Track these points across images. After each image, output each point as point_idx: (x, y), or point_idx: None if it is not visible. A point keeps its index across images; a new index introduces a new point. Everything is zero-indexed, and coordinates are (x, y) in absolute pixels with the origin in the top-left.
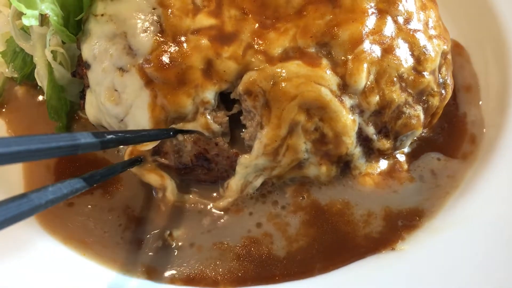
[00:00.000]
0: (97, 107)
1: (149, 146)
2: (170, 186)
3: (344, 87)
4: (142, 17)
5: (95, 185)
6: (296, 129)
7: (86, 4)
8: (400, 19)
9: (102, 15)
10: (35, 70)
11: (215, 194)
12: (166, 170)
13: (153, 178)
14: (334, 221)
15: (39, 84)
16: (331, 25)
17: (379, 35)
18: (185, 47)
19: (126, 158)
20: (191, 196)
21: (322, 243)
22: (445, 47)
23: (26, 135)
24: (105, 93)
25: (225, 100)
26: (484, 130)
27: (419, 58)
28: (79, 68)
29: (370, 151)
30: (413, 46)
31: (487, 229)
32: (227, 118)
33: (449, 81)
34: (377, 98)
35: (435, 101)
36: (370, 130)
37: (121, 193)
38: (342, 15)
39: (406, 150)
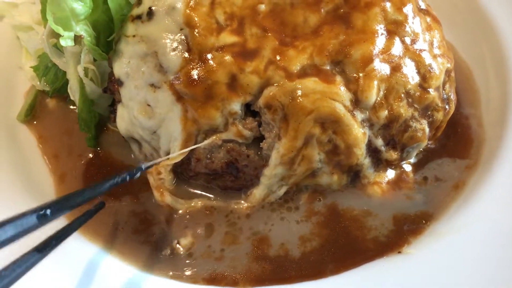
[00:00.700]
0: (129, 120)
1: (177, 158)
2: (169, 201)
3: (356, 103)
4: (171, 37)
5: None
6: (311, 141)
7: (117, 26)
8: (407, 40)
9: (133, 36)
10: (68, 85)
11: (235, 200)
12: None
13: (155, 194)
14: (345, 225)
15: (72, 98)
16: (344, 44)
17: (388, 54)
18: (211, 63)
19: (148, 171)
20: (210, 201)
21: (334, 245)
22: (449, 65)
23: None
24: (138, 108)
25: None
26: (486, 140)
27: (425, 76)
28: (110, 84)
29: (379, 162)
30: (419, 65)
31: (491, 233)
32: (256, 123)
33: (453, 96)
34: (386, 112)
35: (439, 116)
36: (379, 142)
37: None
38: (355, 35)
39: (412, 160)
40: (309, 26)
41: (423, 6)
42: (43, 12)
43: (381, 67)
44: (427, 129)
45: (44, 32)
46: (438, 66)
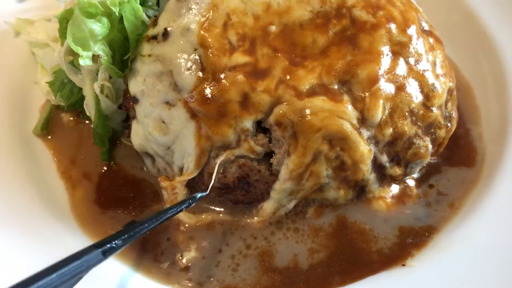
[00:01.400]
0: (143, 136)
1: (192, 175)
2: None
3: (363, 121)
4: (186, 57)
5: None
6: (319, 157)
7: (133, 45)
8: (411, 60)
9: (149, 55)
10: (85, 101)
11: (245, 215)
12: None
13: None
14: (351, 237)
15: (88, 113)
16: (351, 64)
17: (393, 74)
18: (224, 82)
19: (162, 186)
20: (218, 215)
21: (340, 257)
22: (451, 84)
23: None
24: (153, 124)
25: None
26: (487, 154)
27: (428, 95)
28: (125, 101)
29: (383, 177)
30: (423, 84)
31: (492, 246)
32: (267, 139)
33: (454, 114)
34: (390, 130)
35: (441, 133)
36: (384, 159)
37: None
38: (361, 56)
39: (415, 175)
40: (317, 46)
41: (426, 27)
42: (61, 31)
43: (386, 87)
44: (430, 146)
45: (61, 50)
46: (441, 86)
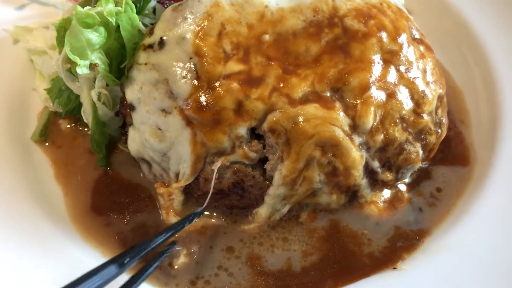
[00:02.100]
0: (140, 142)
1: (189, 181)
2: (173, 221)
3: (354, 127)
4: (181, 65)
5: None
6: (312, 163)
7: (129, 54)
8: (402, 68)
9: (145, 64)
10: (82, 108)
11: (240, 221)
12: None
13: (162, 214)
14: (344, 241)
15: (85, 120)
16: (343, 72)
17: (384, 82)
18: (219, 90)
19: (158, 192)
20: (213, 220)
21: (332, 260)
22: (441, 91)
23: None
24: (149, 131)
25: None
26: (477, 159)
27: (418, 102)
28: (122, 108)
29: (375, 182)
30: (413, 91)
31: (483, 250)
32: (261, 145)
33: (444, 121)
34: (382, 136)
35: (432, 139)
36: (375, 164)
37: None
38: (353, 64)
39: (406, 180)
40: (310, 55)
41: (417, 36)
42: (59, 39)
43: (378, 94)
44: (420, 152)
45: (59, 58)
46: (431, 92)
